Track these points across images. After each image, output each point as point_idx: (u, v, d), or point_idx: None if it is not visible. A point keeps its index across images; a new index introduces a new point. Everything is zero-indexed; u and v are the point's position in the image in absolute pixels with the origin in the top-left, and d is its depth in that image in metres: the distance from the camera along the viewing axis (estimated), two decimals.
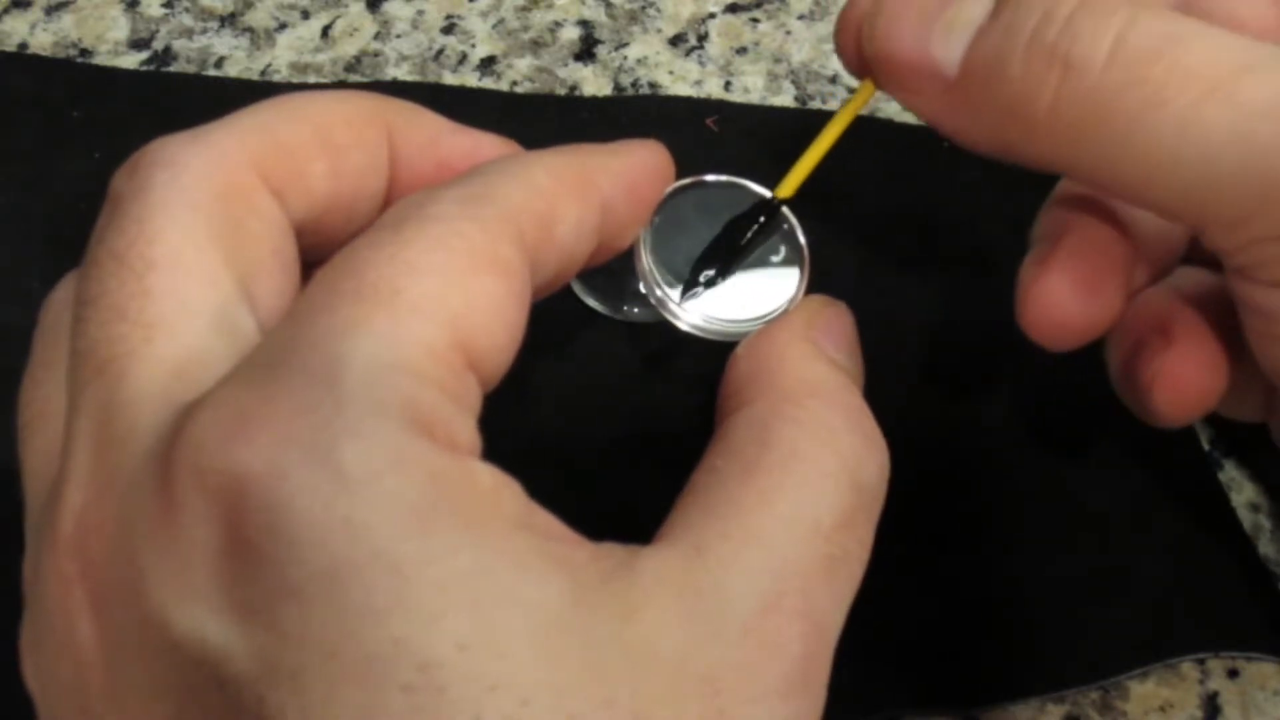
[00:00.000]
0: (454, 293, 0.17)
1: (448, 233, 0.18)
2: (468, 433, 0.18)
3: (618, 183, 0.21)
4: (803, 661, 0.18)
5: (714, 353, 0.39)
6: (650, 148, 0.22)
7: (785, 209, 0.25)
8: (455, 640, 0.15)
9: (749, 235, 0.24)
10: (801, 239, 0.25)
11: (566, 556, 0.17)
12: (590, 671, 0.16)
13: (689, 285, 0.23)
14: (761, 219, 0.25)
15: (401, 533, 0.16)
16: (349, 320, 0.17)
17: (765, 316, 0.23)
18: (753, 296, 0.23)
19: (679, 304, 0.23)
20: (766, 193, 0.26)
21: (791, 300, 0.24)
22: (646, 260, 0.23)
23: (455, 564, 0.16)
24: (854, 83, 0.48)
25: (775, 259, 0.24)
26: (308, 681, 0.15)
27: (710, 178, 0.25)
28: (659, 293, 0.23)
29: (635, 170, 0.21)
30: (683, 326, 0.23)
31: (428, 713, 0.15)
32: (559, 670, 0.16)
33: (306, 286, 0.18)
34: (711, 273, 0.24)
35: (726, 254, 0.24)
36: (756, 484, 0.19)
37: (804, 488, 0.19)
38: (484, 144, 0.22)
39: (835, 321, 0.23)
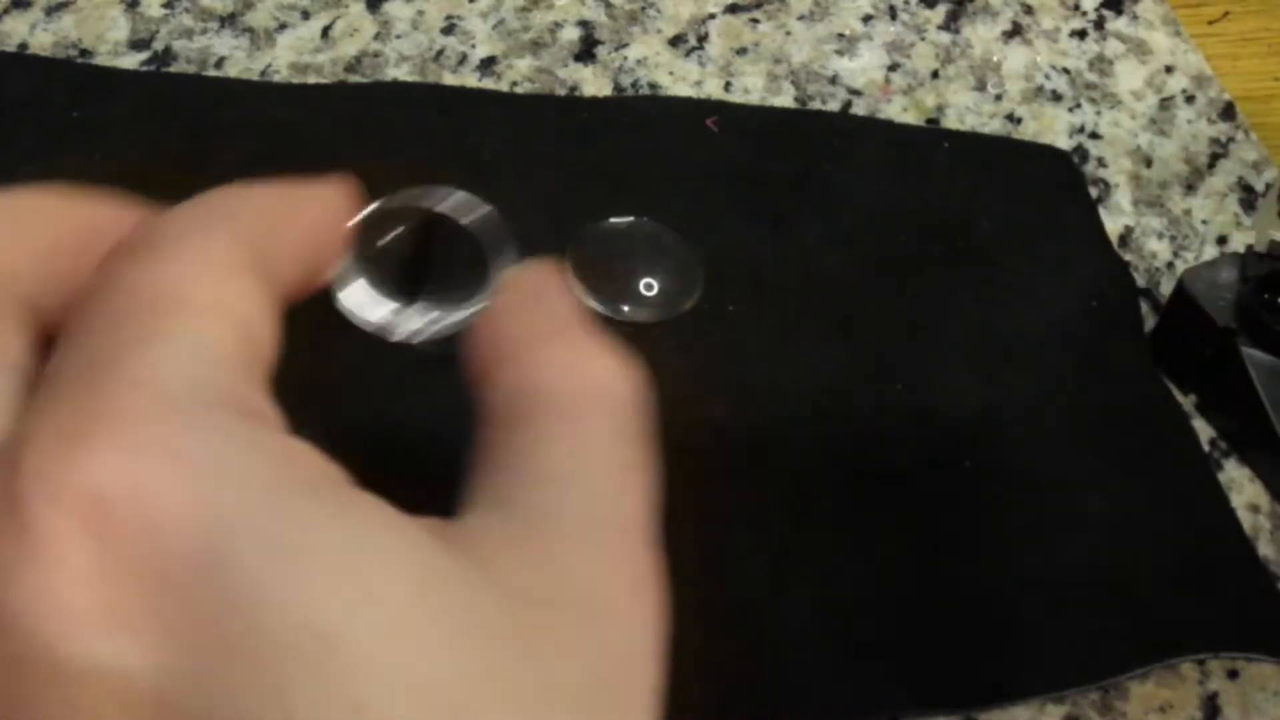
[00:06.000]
0: (226, 293, 0.18)
1: (196, 246, 0.19)
2: (276, 415, 0.18)
3: (301, 226, 0.22)
4: (634, 567, 0.20)
5: (714, 356, 0.40)
6: (329, 190, 0.22)
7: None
8: (342, 602, 0.16)
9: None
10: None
11: (412, 519, 0.18)
12: (473, 616, 0.17)
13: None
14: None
15: (266, 508, 0.16)
16: (147, 330, 0.17)
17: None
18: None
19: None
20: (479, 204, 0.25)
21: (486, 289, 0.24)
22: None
23: (328, 532, 0.16)
24: (855, 83, 0.48)
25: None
26: (211, 676, 0.15)
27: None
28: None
29: (314, 214, 0.22)
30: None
31: (332, 676, 0.15)
32: (447, 618, 0.17)
33: (70, 317, 0.18)
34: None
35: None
36: (534, 432, 0.20)
37: (576, 421, 0.20)
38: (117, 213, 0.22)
39: (548, 275, 0.23)
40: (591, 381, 0.21)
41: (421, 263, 0.24)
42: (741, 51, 0.48)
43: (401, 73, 0.45)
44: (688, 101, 0.46)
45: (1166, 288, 0.43)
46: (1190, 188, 0.47)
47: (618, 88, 0.46)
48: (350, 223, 0.22)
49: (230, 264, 0.19)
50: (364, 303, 0.23)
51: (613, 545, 0.20)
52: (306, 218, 0.21)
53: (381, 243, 0.24)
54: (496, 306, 0.22)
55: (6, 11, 0.45)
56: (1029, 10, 0.52)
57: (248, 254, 0.19)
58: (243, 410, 0.17)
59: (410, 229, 0.24)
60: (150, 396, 0.16)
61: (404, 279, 0.24)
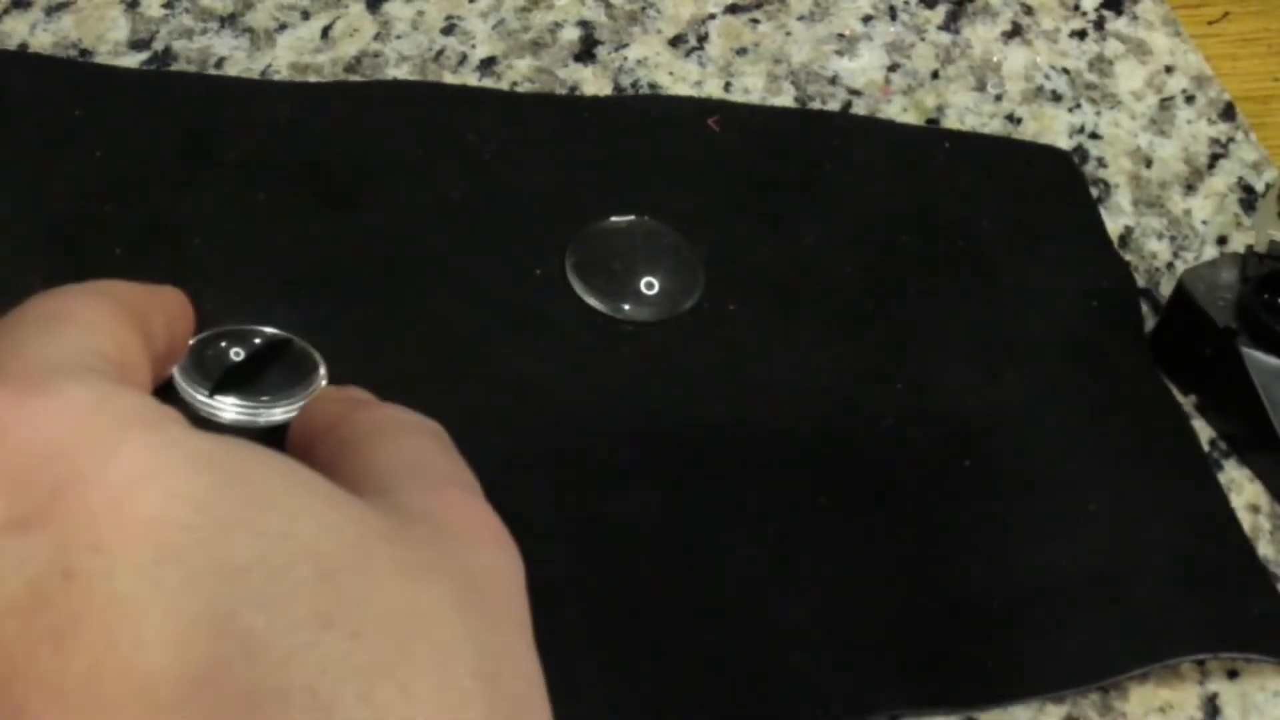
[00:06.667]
0: (115, 329, 0.23)
1: (93, 300, 0.23)
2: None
3: (169, 310, 0.27)
4: (475, 506, 0.23)
5: (714, 355, 0.40)
6: (178, 292, 0.27)
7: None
8: (211, 485, 0.19)
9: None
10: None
11: None
12: (358, 510, 0.21)
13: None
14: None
15: (143, 430, 0.19)
16: (45, 330, 0.22)
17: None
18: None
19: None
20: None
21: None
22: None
23: (195, 444, 0.20)
24: (855, 84, 0.48)
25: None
26: (102, 538, 0.18)
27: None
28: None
29: (175, 305, 0.27)
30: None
31: (206, 527, 0.19)
32: (330, 505, 0.20)
33: None
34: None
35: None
36: (363, 455, 0.24)
37: (387, 438, 0.25)
38: None
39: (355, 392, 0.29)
40: (397, 419, 0.26)
41: (251, 369, 0.30)
42: (741, 52, 0.48)
43: (401, 73, 0.45)
44: (688, 101, 0.46)
45: (1166, 288, 0.43)
46: (1190, 188, 0.47)
47: (618, 88, 0.46)
48: (195, 338, 0.28)
49: (115, 313, 0.23)
50: (191, 391, 0.29)
51: (452, 491, 0.23)
52: (170, 307, 0.26)
53: (219, 350, 0.29)
54: (317, 400, 0.28)
55: (6, 12, 0.45)
56: (1029, 10, 0.52)
57: (128, 314, 0.24)
58: (116, 379, 0.21)
59: (244, 344, 0.30)
60: (43, 365, 0.20)
61: (233, 378, 0.29)
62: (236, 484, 0.20)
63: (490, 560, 0.22)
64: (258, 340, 0.30)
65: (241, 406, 0.28)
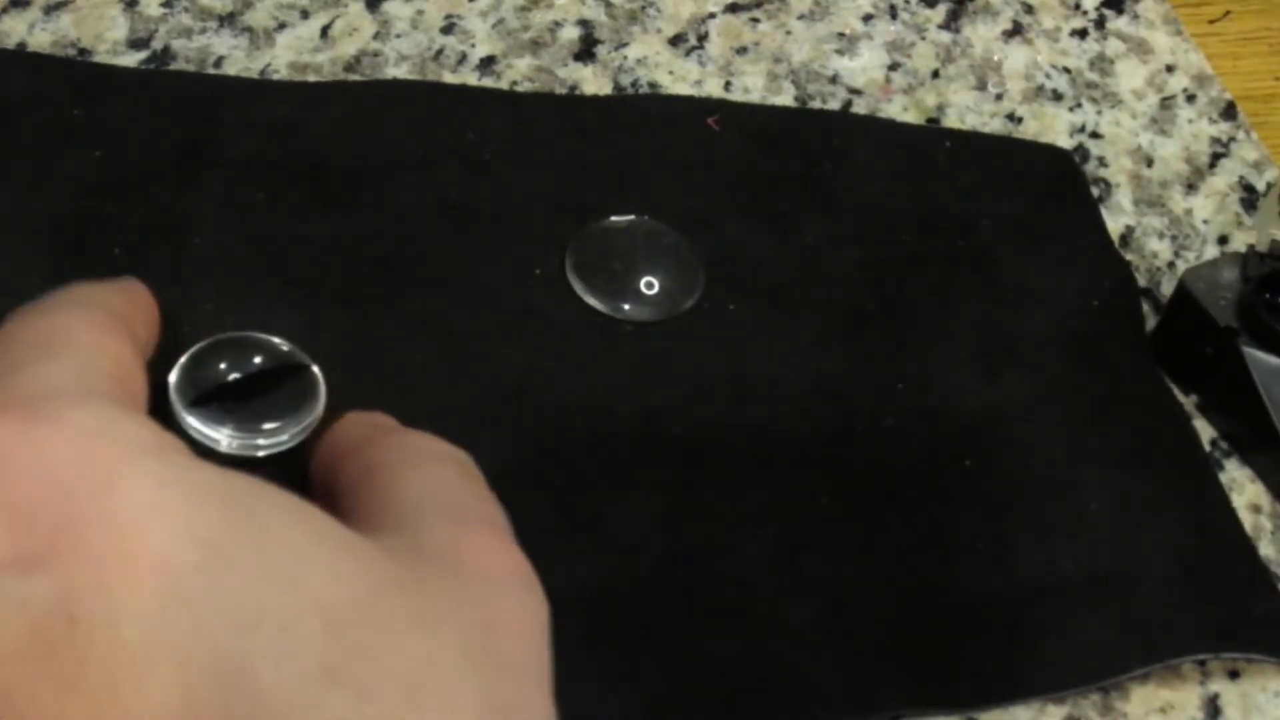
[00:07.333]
0: (105, 341, 0.23)
1: (79, 312, 0.24)
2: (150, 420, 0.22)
3: (140, 304, 0.27)
4: (498, 548, 0.23)
5: (714, 355, 0.40)
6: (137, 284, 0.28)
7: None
8: (220, 521, 0.19)
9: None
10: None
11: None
12: (364, 553, 0.21)
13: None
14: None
15: (148, 459, 0.19)
16: (42, 353, 0.22)
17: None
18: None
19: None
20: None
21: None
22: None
23: (201, 476, 0.20)
24: (855, 83, 0.48)
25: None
26: (108, 582, 0.18)
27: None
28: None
29: (142, 298, 0.27)
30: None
31: (215, 569, 0.19)
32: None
33: None
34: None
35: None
36: (386, 482, 0.24)
37: (418, 468, 0.25)
38: None
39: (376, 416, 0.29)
40: (424, 448, 0.26)
41: (249, 387, 0.29)
42: (741, 51, 0.48)
43: (401, 72, 0.45)
44: (689, 100, 0.46)
45: (1167, 287, 0.43)
46: (1191, 187, 0.47)
47: (618, 87, 0.46)
48: (192, 349, 0.29)
49: (106, 325, 0.24)
50: (180, 407, 0.28)
51: (476, 529, 0.23)
52: (140, 300, 0.27)
53: (219, 366, 0.29)
54: (345, 422, 0.28)
55: (5, 11, 0.45)
56: (1029, 10, 0.52)
57: (116, 322, 0.24)
58: (117, 401, 0.21)
59: (244, 359, 0.30)
60: (45, 391, 0.21)
61: (232, 397, 0.29)
62: (245, 521, 0.19)
63: (509, 603, 0.22)
64: (257, 359, 0.29)
65: (240, 434, 0.28)
